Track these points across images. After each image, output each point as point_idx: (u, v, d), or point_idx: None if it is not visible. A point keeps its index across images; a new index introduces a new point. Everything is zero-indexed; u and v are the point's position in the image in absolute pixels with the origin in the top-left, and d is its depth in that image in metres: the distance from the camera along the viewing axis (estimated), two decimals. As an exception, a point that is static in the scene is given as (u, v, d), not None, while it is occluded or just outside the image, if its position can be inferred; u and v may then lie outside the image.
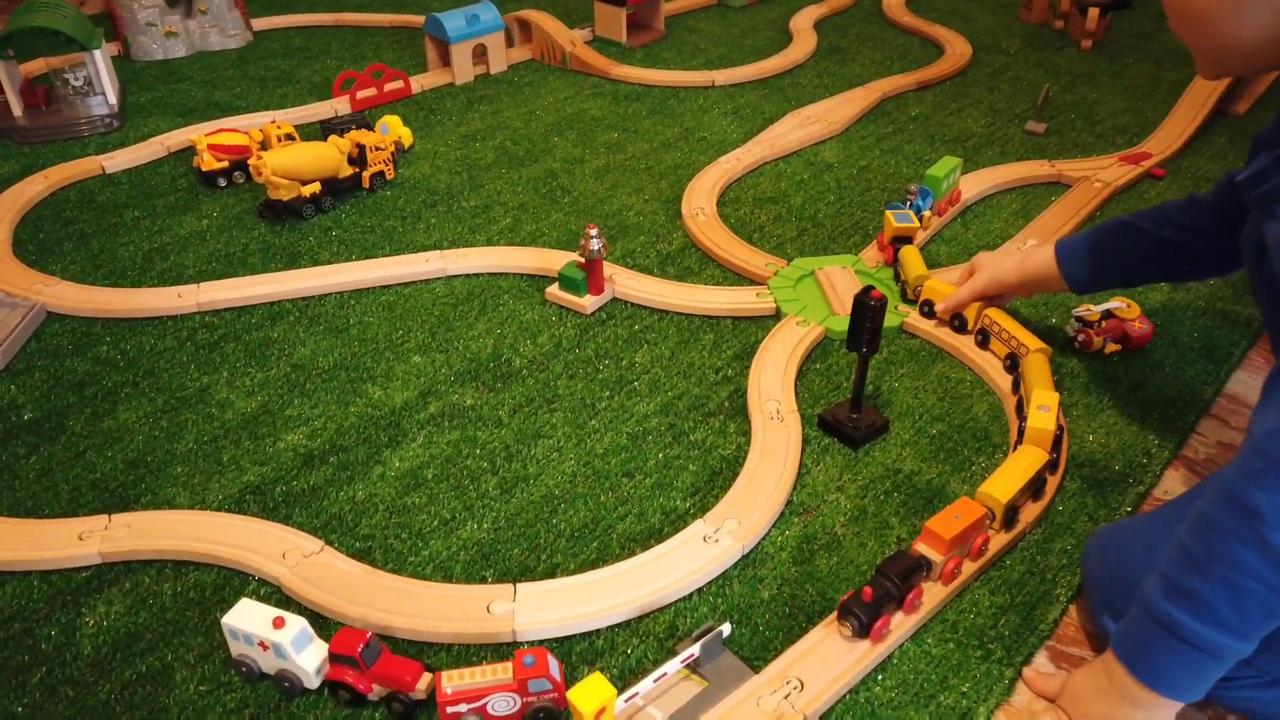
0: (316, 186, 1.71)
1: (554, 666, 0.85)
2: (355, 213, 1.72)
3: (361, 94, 2.15)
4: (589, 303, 1.43)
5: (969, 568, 0.97)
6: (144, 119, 2.09)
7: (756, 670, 0.88)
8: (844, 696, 0.87)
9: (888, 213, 1.47)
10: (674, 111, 2.13)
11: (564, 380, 1.30)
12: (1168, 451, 1.15)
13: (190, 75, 2.34)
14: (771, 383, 1.24)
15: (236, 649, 0.90)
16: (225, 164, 1.82)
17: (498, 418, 1.23)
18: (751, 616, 0.96)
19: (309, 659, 0.88)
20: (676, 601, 0.97)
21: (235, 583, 1.01)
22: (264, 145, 1.84)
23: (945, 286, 1.34)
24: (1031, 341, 1.20)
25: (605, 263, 1.46)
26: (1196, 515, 0.76)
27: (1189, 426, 1.19)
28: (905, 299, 1.40)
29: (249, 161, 1.65)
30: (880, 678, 0.89)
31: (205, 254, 1.59)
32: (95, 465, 1.16)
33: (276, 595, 0.99)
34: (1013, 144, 1.94)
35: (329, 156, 1.72)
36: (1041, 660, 0.92)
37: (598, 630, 0.94)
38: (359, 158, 1.77)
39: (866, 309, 1.09)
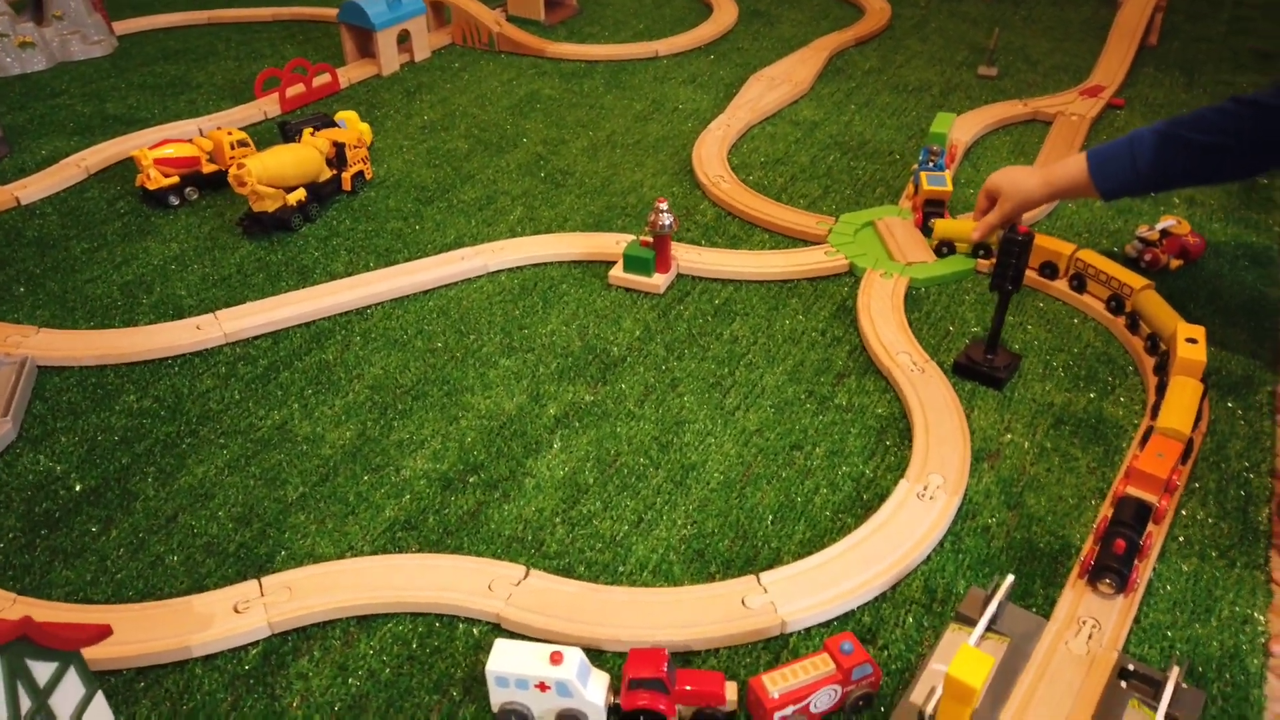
0: (301, 193, 1.54)
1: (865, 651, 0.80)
2: (347, 217, 1.57)
3: (291, 91, 1.96)
4: (660, 282, 1.36)
5: (1171, 502, 0.99)
6: (33, 141, 1.83)
7: (1046, 617, 0.87)
8: (1132, 627, 0.87)
9: (922, 175, 1.47)
10: (630, 85, 2.07)
11: (675, 362, 1.23)
12: (1269, 351, 1.22)
13: (64, 89, 2.07)
14: (892, 337, 1.23)
15: (503, 697, 0.79)
16: (175, 179, 1.62)
17: (627, 410, 1.15)
18: (999, 565, 0.94)
19: (595, 692, 0.79)
20: (919, 565, 0.94)
21: (439, 628, 0.89)
22: (212, 157, 1.65)
23: (956, 225, 1.36)
24: (1133, 279, 1.23)
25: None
26: None
27: (1275, 327, 1.26)
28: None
29: (230, 172, 1.46)
30: (1153, 602, 0.89)
31: (194, 281, 1.41)
32: (197, 529, 1.00)
33: (495, 632, 0.88)
34: (973, 89, 2.00)
35: (311, 159, 1.56)
36: (1275, 559, 0.95)
37: (860, 607, 0.90)
38: (337, 158, 1.61)
39: (1015, 245, 1.09)
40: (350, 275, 1.40)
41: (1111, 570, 0.87)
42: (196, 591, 0.92)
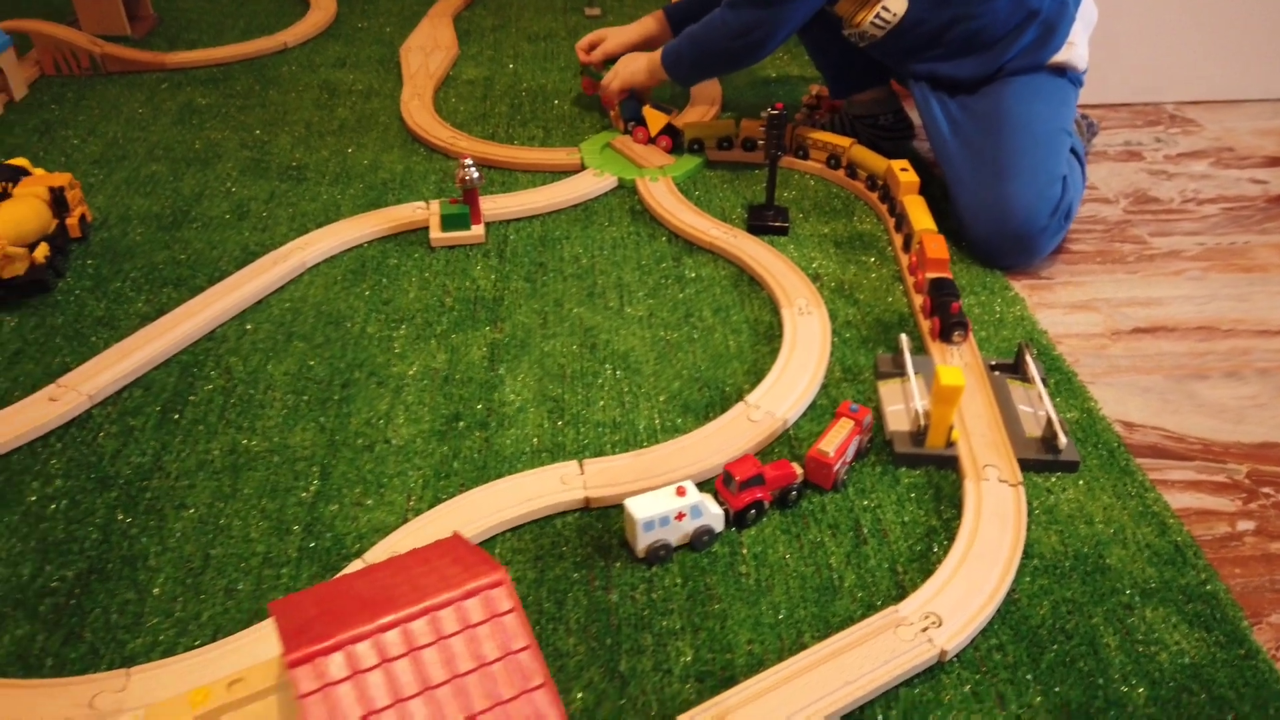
0: (45, 248, 1.41)
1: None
2: (102, 262, 1.47)
3: (-98, 157, 1.69)
4: (480, 231, 1.50)
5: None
6: None
7: (927, 354, 1.24)
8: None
9: (649, 109, 1.73)
10: (283, 78, 2.08)
11: (544, 287, 1.40)
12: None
13: None
14: (694, 220, 1.51)
15: (649, 539, 0.96)
16: None
17: (539, 334, 1.31)
18: (872, 339, 1.29)
19: (713, 505, 1.00)
20: (831, 356, 1.25)
21: (539, 530, 1.02)
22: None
23: (703, 126, 1.71)
24: (843, 140, 1.64)
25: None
26: None
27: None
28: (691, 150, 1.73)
29: (-29, 238, 1.29)
30: (974, 328, 1.30)
31: None
32: (240, 554, 0.99)
33: (587, 514, 1.04)
34: (591, 27, 2.32)
35: (42, 211, 1.43)
36: (1010, 280, 1.41)
37: (817, 395, 1.19)
38: (55, 204, 1.48)
39: (779, 119, 1.42)
40: (169, 310, 1.34)
41: (958, 325, 1.24)
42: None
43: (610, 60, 1.81)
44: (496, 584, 0.54)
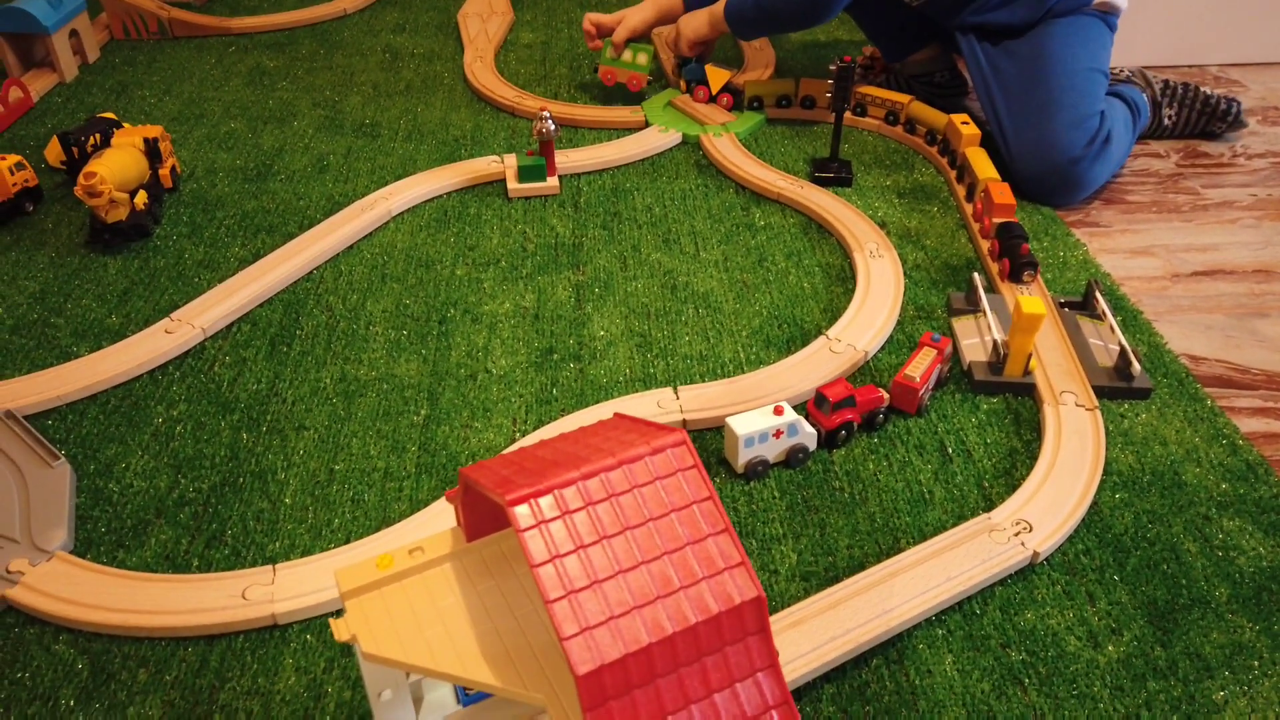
0: (144, 195, 1.48)
1: (938, 337, 1.15)
2: (197, 212, 1.53)
3: (-9, 114, 1.76)
4: (555, 183, 1.56)
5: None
6: None
7: (996, 293, 1.29)
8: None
9: (711, 67, 1.79)
10: (346, 42, 2.13)
11: (621, 234, 1.46)
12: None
13: None
14: (761, 173, 1.57)
15: (748, 455, 1.02)
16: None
17: (620, 277, 1.36)
18: (941, 280, 1.34)
19: (808, 426, 1.05)
20: (904, 296, 1.31)
21: (640, 452, 1.08)
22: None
23: (762, 85, 1.76)
24: (901, 97, 1.69)
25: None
26: None
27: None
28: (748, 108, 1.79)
29: (81, 182, 1.36)
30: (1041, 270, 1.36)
31: (92, 305, 1.32)
32: (363, 468, 1.06)
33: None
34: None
35: (139, 160, 1.49)
36: (1070, 227, 1.46)
37: (893, 331, 1.25)
38: (150, 154, 1.54)
39: (847, 72, 1.47)
40: (264, 255, 1.40)
41: (1028, 265, 1.30)
42: (425, 507, 1.00)
43: (633, 40, 1.81)
44: (679, 443, 0.60)
